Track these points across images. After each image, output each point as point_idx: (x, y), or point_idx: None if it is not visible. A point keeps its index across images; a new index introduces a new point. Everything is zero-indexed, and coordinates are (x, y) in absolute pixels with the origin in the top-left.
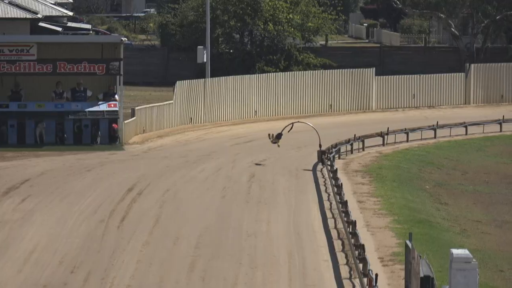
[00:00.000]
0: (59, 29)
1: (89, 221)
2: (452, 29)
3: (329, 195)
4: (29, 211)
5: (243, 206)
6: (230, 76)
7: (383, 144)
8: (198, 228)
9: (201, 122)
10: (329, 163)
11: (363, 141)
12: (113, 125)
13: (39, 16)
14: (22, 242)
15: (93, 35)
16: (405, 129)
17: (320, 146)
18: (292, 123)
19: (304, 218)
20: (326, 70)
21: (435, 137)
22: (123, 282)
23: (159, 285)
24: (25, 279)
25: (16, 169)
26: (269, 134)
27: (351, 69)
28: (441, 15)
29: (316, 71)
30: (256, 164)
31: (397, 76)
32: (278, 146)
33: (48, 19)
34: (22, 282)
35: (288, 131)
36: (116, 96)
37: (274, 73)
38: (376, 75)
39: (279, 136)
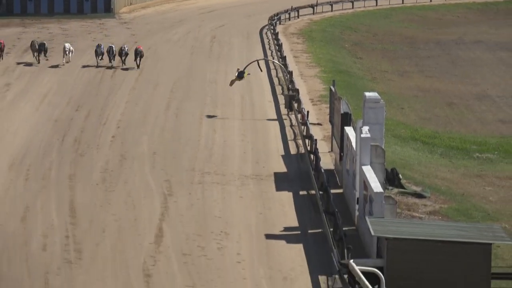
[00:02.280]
0: None
1: (90, 72)
2: None
3: (272, 51)
4: (44, 63)
5: (207, 60)
6: None
7: (313, 13)
8: (172, 77)
9: None
10: (272, 28)
11: (298, 11)
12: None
13: None
14: (39, 88)
15: None
16: (330, 1)
17: (288, 90)
18: (257, 61)
19: (252, 82)
20: None
21: (352, 8)
22: (115, 118)
23: (143, 120)
24: (41, 115)
25: (33, 34)
26: (232, 81)
27: None
28: None
29: None
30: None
31: None
32: (239, 79)
33: None
34: (38, 118)
35: (261, 70)
36: None
37: None
38: None
39: (241, 74)
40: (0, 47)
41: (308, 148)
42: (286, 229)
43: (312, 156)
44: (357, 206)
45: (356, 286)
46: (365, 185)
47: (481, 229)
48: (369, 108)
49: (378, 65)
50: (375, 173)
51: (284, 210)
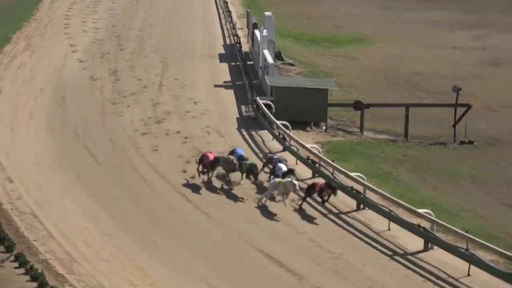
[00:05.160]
0: None
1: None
2: None
3: (220, 2)
4: (97, 2)
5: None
6: None
7: None
8: (164, 12)
9: None
10: None
11: None
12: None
13: None
14: (95, 13)
15: None
16: None
17: None
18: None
19: (207, 8)
20: None
21: None
22: (136, 25)
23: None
24: (102, 26)
25: None
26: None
27: None
28: None
29: None
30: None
31: None
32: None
33: None
34: (98, 28)
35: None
36: None
37: None
38: None
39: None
40: (205, 163)
41: (236, 40)
42: (225, 82)
43: (237, 45)
44: (260, 70)
45: (259, 110)
46: (264, 59)
47: (323, 81)
48: (267, 20)
49: None
50: (269, 53)
51: (223, 72)
